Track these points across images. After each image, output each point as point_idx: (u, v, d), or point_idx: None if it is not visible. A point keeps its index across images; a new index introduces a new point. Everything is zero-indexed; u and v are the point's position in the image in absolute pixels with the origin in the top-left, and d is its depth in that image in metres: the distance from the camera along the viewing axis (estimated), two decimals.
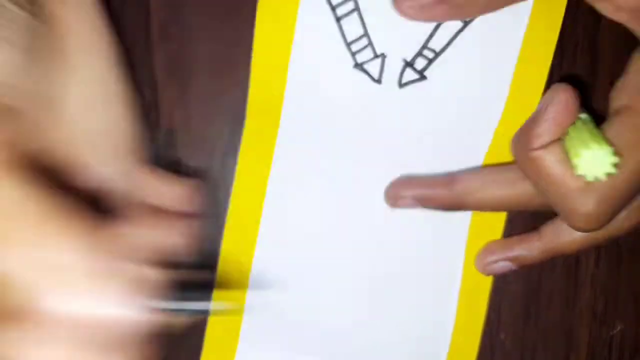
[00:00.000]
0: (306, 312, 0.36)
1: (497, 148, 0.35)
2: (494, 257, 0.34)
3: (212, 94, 0.36)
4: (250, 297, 0.36)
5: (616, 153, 0.28)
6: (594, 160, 0.27)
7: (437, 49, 0.34)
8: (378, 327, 0.36)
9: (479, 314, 0.36)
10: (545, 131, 0.29)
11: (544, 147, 0.29)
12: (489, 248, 0.35)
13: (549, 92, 0.30)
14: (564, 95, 0.29)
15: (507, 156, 0.34)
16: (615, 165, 0.28)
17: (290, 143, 0.35)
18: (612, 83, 0.35)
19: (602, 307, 0.37)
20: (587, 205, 0.28)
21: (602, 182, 0.28)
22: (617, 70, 0.35)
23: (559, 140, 0.29)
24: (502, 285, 0.37)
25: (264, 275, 0.36)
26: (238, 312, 0.36)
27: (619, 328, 0.37)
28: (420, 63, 0.34)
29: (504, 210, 0.34)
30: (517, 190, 0.32)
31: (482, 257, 0.35)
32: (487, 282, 0.36)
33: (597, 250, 0.37)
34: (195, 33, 0.36)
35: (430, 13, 0.32)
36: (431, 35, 0.33)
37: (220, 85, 0.36)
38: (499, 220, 0.36)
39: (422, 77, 0.34)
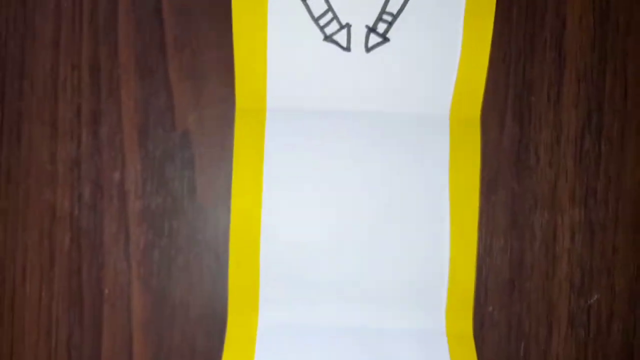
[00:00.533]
0: (315, 266, 0.40)
1: (459, 96, 0.39)
2: None
3: (224, 97, 0.40)
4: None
5: None
6: None
7: (394, 12, 0.38)
8: (380, 272, 0.40)
9: (471, 246, 0.40)
10: None
11: None
12: None
13: None
14: None
15: (468, 107, 0.39)
16: None
17: (278, 126, 0.39)
18: (578, 78, 0.40)
19: (579, 278, 0.41)
20: None
21: None
22: (580, 64, 0.40)
23: None
24: (487, 258, 0.40)
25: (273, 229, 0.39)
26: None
27: (595, 297, 0.41)
28: (381, 27, 0.39)
29: None
30: None
31: None
32: (474, 201, 0.40)
33: (572, 227, 0.40)
34: (206, 40, 0.40)
35: None
36: (387, 1, 0.38)
37: (231, 89, 0.40)
38: (474, 168, 0.40)
39: (385, 40, 0.39)
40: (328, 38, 0.39)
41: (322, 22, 0.39)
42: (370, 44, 0.39)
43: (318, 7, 0.38)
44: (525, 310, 0.40)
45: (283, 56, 0.39)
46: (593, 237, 0.41)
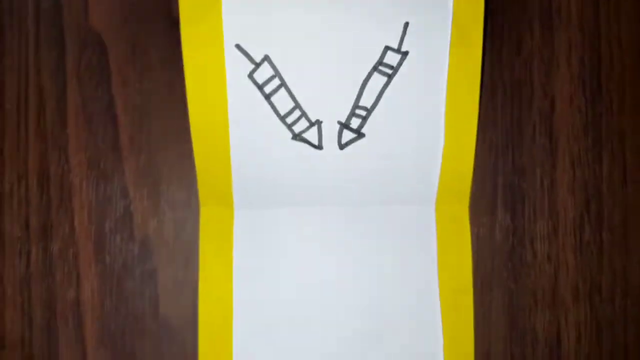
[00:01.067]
0: None
1: (445, 189, 0.36)
2: None
3: (186, 200, 0.36)
4: None
5: None
6: None
7: (368, 106, 0.35)
8: None
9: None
10: None
11: None
12: None
13: None
14: None
15: (455, 200, 0.35)
16: None
17: (247, 226, 0.36)
18: (572, 163, 0.36)
19: None
20: None
21: None
22: (574, 148, 0.36)
23: None
24: None
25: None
26: None
27: None
28: (355, 122, 0.35)
29: None
30: None
31: None
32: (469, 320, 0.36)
33: (578, 325, 0.37)
34: (164, 139, 0.36)
35: None
36: (360, 95, 0.35)
37: (190, 191, 0.36)
38: (466, 261, 0.36)
39: (360, 135, 0.35)
40: (297, 136, 0.35)
41: (289, 120, 0.35)
42: (344, 141, 0.35)
43: (284, 105, 0.35)
44: None
45: (248, 157, 0.35)
46: (601, 336, 0.37)
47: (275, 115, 0.35)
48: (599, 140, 0.37)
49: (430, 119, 0.35)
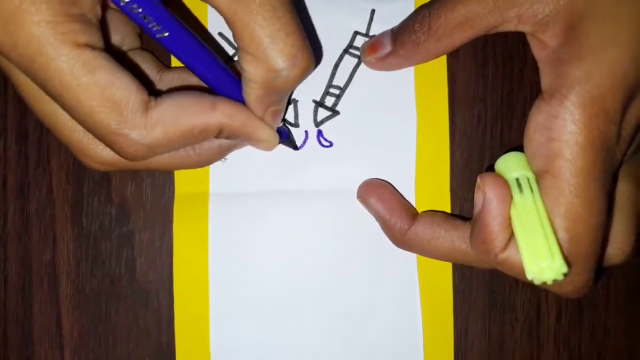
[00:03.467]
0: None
1: (423, 166, 0.35)
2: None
3: None
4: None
5: (565, 261, 0.27)
6: (545, 270, 0.27)
7: (342, 85, 0.35)
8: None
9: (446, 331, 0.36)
10: (497, 236, 0.28)
11: (505, 248, 0.29)
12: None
13: (477, 191, 0.29)
14: (491, 194, 0.28)
15: (431, 171, 0.35)
16: (564, 274, 0.27)
17: (223, 202, 0.35)
18: None
19: None
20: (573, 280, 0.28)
21: (573, 259, 0.28)
22: None
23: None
24: (464, 343, 0.36)
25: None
26: None
27: None
28: (329, 100, 0.35)
29: (445, 260, 0.33)
30: (461, 250, 0.32)
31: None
32: (448, 303, 0.36)
33: (558, 305, 0.36)
34: None
35: (386, 63, 0.33)
36: (333, 75, 0.35)
37: None
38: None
39: (335, 113, 0.35)
40: None
41: None
42: (319, 118, 0.35)
43: None
44: None
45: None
46: (581, 316, 0.36)
47: None
48: None
49: (401, 93, 0.35)
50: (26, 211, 0.36)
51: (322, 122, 0.35)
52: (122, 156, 0.28)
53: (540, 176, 0.28)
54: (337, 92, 0.35)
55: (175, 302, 0.35)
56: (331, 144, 0.35)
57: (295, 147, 0.35)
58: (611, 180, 0.29)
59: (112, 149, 0.27)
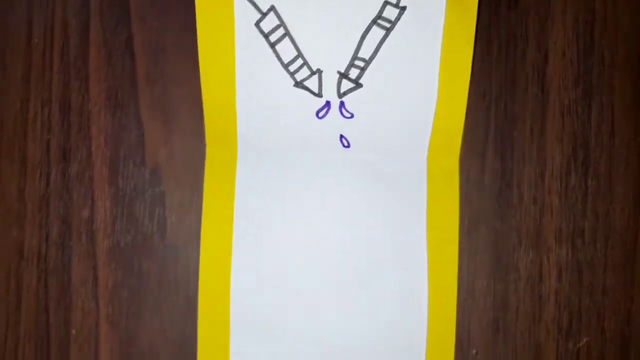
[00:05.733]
0: (289, 320, 0.38)
1: (437, 141, 0.37)
2: None
3: (195, 132, 0.39)
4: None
5: None
6: None
7: (367, 57, 0.37)
8: (356, 320, 0.38)
9: (449, 300, 0.38)
10: None
11: None
12: None
13: None
14: None
15: (445, 152, 0.37)
16: None
17: (250, 166, 0.38)
18: (562, 113, 0.38)
19: (567, 321, 0.39)
20: None
21: None
22: (564, 99, 0.38)
23: None
24: (470, 300, 0.38)
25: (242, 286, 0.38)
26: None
27: (584, 340, 0.39)
28: (354, 73, 0.37)
29: None
30: None
31: None
32: (453, 266, 0.38)
33: (559, 266, 0.39)
34: (178, 75, 0.39)
35: None
36: (359, 46, 0.37)
37: (200, 124, 0.39)
38: (453, 215, 0.38)
39: (358, 85, 0.37)
40: (299, 84, 0.38)
41: (292, 68, 0.37)
42: (342, 90, 0.38)
43: (288, 54, 0.37)
44: (511, 355, 0.39)
45: (253, 101, 0.38)
46: (581, 277, 0.39)
47: (278, 63, 0.37)
48: (589, 93, 0.39)
49: (425, 72, 0.37)
50: (67, 173, 0.39)
51: (345, 93, 0.38)
52: None
53: None
54: (362, 64, 0.37)
55: (202, 255, 0.38)
56: (352, 116, 0.38)
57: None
58: None
59: None
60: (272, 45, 0.37)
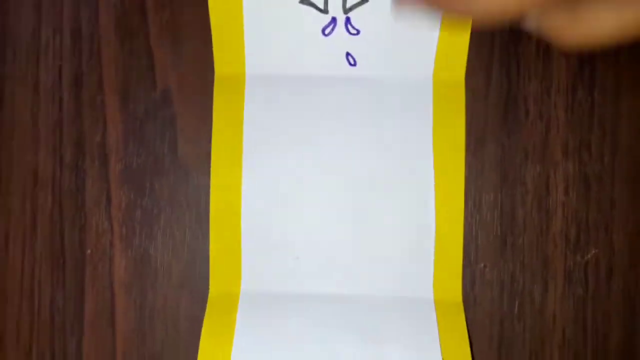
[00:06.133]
0: (299, 242, 0.39)
1: (442, 58, 0.38)
2: None
3: (204, 57, 0.40)
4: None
5: None
6: None
7: None
8: (365, 239, 0.39)
9: (457, 212, 0.39)
10: None
11: None
12: None
13: None
14: None
15: (453, 68, 0.38)
16: None
17: (257, 87, 0.39)
18: None
19: (575, 233, 0.39)
20: None
21: None
22: None
23: None
24: (477, 215, 0.39)
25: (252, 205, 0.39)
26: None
27: (593, 252, 0.39)
28: None
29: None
30: None
31: None
32: (460, 184, 0.39)
33: (566, 179, 0.39)
34: (184, 1, 0.40)
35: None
36: None
37: (209, 47, 0.39)
38: (459, 130, 0.39)
39: (364, 0, 0.38)
40: (304, 0, 0.38)
41: None
42: (348, 5, 0.38)
43: None
44: (519, 268, 0.39)
45: (260, 20, 0.38)
46: (589, 190, 0.39)
47: None
48: None
49: None
50: (80, 98, 0.40)
51: (350, 9, 0.38)
52: None
53: None
54: None
55: (212, 174, 0.39)
56: (358, 32, 0.38)
57: None
58: None
59: None
60: None
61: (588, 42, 0.23)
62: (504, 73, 0.39)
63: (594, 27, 0.23)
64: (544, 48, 0.39)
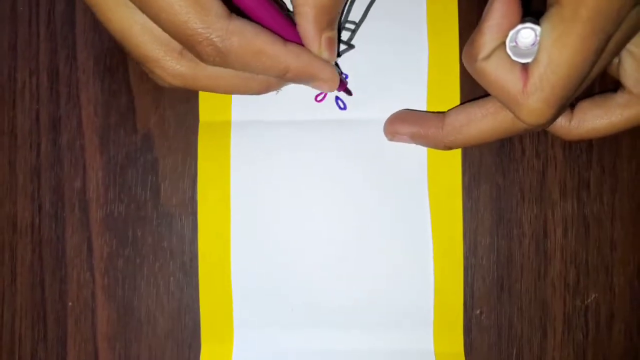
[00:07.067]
0: (295, 284, 0.37)
1: (434, 92, 0.37)
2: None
3: (186, 97, 0.38)
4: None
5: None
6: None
7: (357, 20, 0.37)
8: (358, 291, 0.37)
9: (456, 261, 0.37)
10: (486, 42, 0.29)
11: (487, 57, 0.29)
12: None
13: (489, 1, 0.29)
14: (500, 3, 0.29)
15: (444, 102, 0.37)
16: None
17: (245, 127, 0.37)
18: None
19: (574, 277, 0.37)
20: (532, 103, 0.29)
21: (542, 82, 0.28)
22: None
23: (502, 45, 0.29)
24: (473, 259, 0.37)
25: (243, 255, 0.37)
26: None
27: (593, 297, 0.37)
28: (345, 35, 0.37)
29: (492, 140, 0.33)
30: (499, 118, 0.32)
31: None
32: (458, 228, 0.37)
33: (565, 220, 0.37)
34: None
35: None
36: (349, 10, 0.37)
37: None
38: (455, 170, 0.37)
39: (350, 46, 0.37)
40: None
41: None
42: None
43: None
44: (517, 313, 0.37)
45: None
46: (588, 231, 0.38)
47: None
48: None
49: (414, 27, 0.37)
50: (58, 143, 0.38)
51: (338, 55, 0.37)
52: (199, 57, 0.30)
53: (550, 5, 0.29)
54: (352, 26, 0.37)
55: (199, 223, 0.37)
56: (347, 77, 0.37)
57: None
58: (617, 29, 0.28)
59: (192, 50, 0.29)
60: None
61: (586, 138, 0.29)
62: None
63: (590, 129, 0.29)
64: None
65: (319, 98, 0.37)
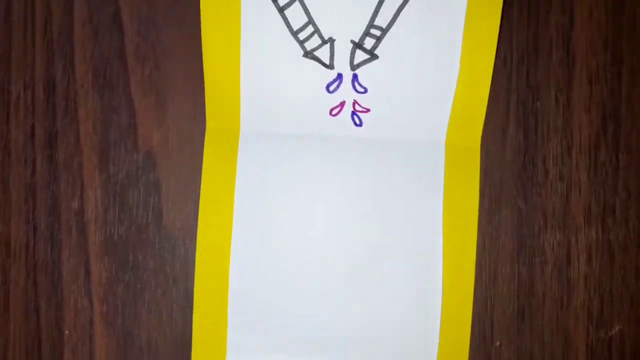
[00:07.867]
0: (293, 313, 0.35)
1: (457, 123, 0.34)
2: None
3: (191, 113, 0.36)
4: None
5: None
6: None
7: (384, 26, 0.34)
8: (365, 321, 0.35)
9: (466, 295, 0.35)
10: None
11: None
12: None
13: None
14: None
15: (468, 133, 0.34)
16: None
17: (252, 147, 0.35)
18: (590, 80, 0.35)
19: (598, 307, 0.36)
20: None
21: None
22: (592, 64, 0.35)
23: None
24: (492, 288, 0.36)
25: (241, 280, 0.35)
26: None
27: (617, 328, 0.36)
28: (369, 42, 0.34)
29: None
30: None
31: None
32: (470, 264, 0.35)
33: (589, 248, 0.36)
34: (171, 50, 0.36)
35: None
36: (375, 13, 0.33)
37: (199, 104, 0.36)
38: (472, 200, 0.35)
39: (374, 57, 0.34)
40: (308, 54, 0.34)
41: (301, 36, 0.34)
42: (356, 61, 0.34)
43: (297, 20, 0.34)
44: (538, 345, 0.36)
45: (258, 74, 0.34)
46: (613, 259, 0.36)
47: (287, 30, 0.34)
48: (619, 57, 0.36)
49: (447, 44, 0.34)
50: (54, 160, 0.36)
51: (358, 65, 0.34)
52: None
53: None
54: (378, 33, 0.34)
55: (198, 247, 0.35)
56: (366, 90, 0.35)
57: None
58: None
59: None
60: (281, 10, 0.34)
61: None
62: (521, 130, 0.36)
63: None
64: (565, 103, 0.36)
65: (334, 112, 0.35)
